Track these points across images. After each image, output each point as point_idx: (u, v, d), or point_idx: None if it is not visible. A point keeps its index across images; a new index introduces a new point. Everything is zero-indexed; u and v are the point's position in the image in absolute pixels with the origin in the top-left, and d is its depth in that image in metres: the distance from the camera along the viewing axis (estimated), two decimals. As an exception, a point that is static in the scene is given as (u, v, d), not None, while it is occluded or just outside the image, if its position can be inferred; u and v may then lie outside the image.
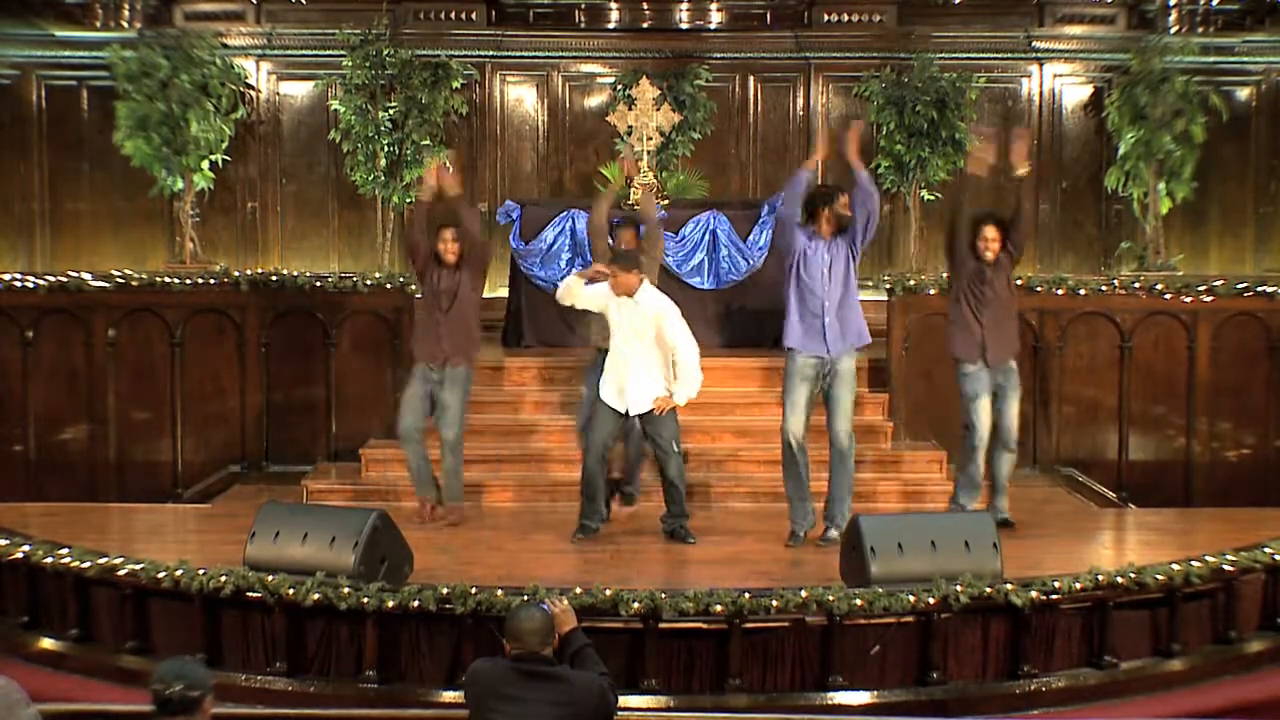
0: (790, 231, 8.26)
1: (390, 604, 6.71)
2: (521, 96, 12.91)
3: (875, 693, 6.81)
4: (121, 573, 7.15)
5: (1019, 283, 9.23)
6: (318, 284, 10.38)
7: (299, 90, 12.84)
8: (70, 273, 10.62)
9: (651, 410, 8.27)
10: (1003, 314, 8.65)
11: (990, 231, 8.54)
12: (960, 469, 8.79)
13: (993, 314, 8.58)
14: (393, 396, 9.91)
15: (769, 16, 13.06)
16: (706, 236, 10.88)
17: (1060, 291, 10.43)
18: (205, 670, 4.51)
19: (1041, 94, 12.88)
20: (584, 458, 8.46)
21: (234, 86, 12.36)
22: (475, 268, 8.82)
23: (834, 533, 8.22)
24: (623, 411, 8.32)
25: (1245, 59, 12.75)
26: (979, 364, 8.61)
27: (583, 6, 13.11)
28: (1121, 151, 12.30)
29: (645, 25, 13.06)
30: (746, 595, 6.70)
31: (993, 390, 8.64)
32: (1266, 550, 7.50)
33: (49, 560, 7.37)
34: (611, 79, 12.84)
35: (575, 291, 8.43)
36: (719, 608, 6.65)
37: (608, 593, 6.66)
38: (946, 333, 8.83)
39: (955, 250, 8.68)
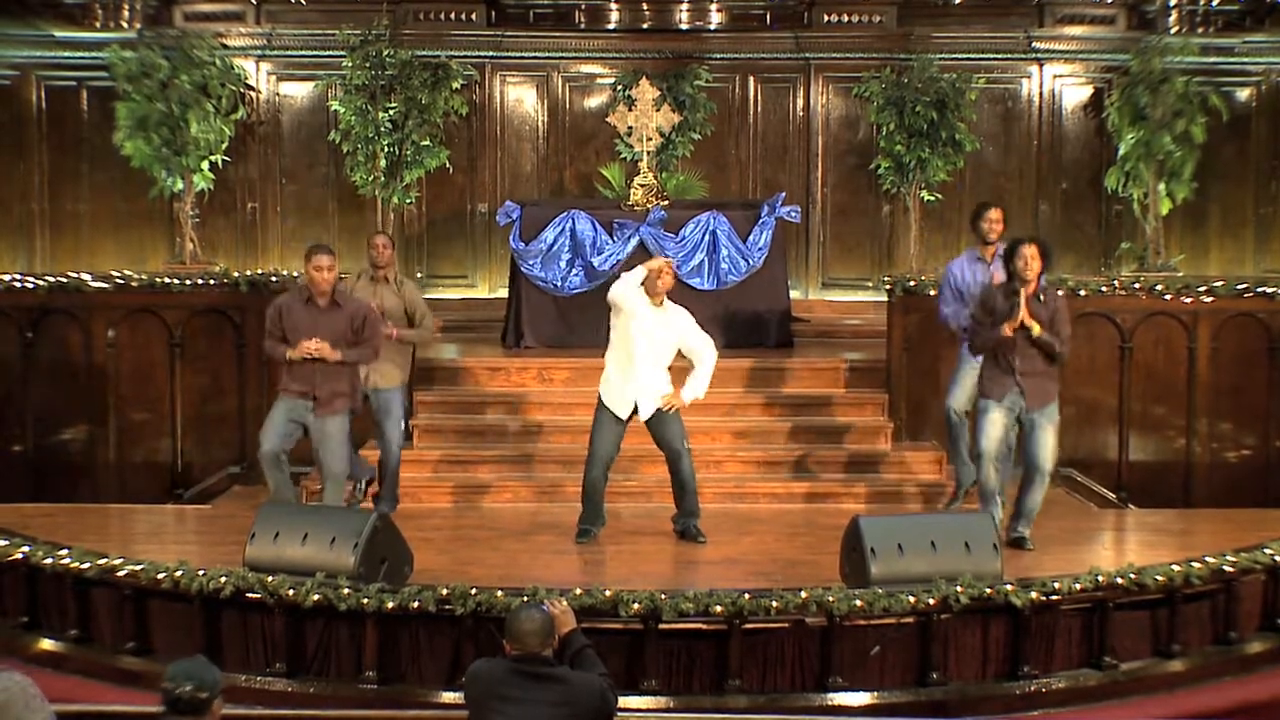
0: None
1: (390, 605, 6.71)
2: (521, 97, 12.90)
3: (875, 693, 6.81)
4: (121, 573, 7.14)
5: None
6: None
7: (299, 91, 12.84)
8: (70, 273, 10.62)
9: (659, 411, 8.27)
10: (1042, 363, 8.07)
11: (1030, 250, 7.89)
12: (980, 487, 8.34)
13: (1031, 362, 8.04)
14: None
15: (769, 17, 13.05)
16: (706, 237, 10.88)
17: (1060, 292, 10.36)
18: (216, 671, 4.44)
19: (1041, 95, 12.87)
20: (586, 466, 8.40)
21: (234, 87, 12.35)
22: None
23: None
24: (626, 418, 8.31)
25: (1245, 59, 12.74)
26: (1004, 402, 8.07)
27: (583, 7, 13.10)
28: (1121, 152, 12.29)
29: (645, 26, 13.05)
30: (746, 596, 6.69)
31: (1018, 417, 8.11)
32: (1266, 551, 7.49)
33: (49, 561, 7.36)
34: (611, 79, 12.84)
35: (634, 288, 8.26)
36: (719, 608, 6.65)
37: (608, 593, 6.66)
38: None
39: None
